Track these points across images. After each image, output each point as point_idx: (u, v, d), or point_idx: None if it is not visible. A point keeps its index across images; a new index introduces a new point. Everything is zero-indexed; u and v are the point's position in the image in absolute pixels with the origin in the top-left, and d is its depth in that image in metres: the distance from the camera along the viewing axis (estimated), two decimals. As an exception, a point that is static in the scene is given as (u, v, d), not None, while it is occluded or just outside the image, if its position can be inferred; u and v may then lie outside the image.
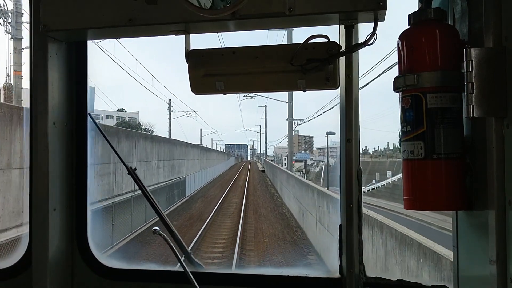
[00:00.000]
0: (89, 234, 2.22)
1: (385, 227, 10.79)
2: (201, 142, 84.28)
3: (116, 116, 71.34)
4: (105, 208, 16.55)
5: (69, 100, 2.16)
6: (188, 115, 59.12)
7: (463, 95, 1.46)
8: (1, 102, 18.79)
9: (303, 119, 45.59)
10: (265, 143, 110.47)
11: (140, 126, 64.50)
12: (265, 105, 79.83)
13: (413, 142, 1.55)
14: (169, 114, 55.37)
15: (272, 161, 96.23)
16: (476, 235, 1.56)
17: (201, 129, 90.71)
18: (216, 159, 72.02)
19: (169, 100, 55.44)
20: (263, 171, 77.13)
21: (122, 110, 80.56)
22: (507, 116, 1.31)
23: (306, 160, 74.81)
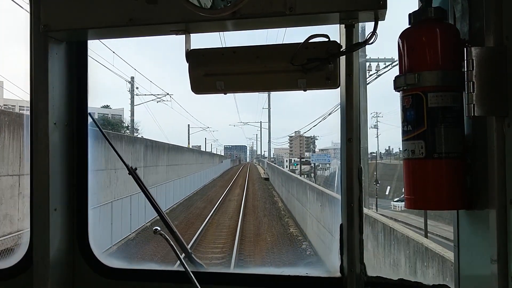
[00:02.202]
0: (90, 234, 2.36)
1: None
2: (188, 142, 74.96)
3: (98, 113, 70.07)
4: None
5: (69, 100, 2.31)
6: (159, 99, 43.56)
7: (463, 94, 1.58)
8: None
9: (392, 58, 25.84)
10: (269, 140, 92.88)
11: (123, 124, 60.52)
12: (268, 91, 75.27)
13: (414, 142, 1.68)
14: (132, 97, 40.59)
15: (273, 162, 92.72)
16: (477, 234, 1.69)
17: (188, 125, 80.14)
18: (195, 164, 50.00)
19: (132, 77, 40.35)
20: (267, 179, 63.43)
21: (107, 106, 79.82)
22: (508, 115, 1.44)
23: (315, 163, 73.43)
